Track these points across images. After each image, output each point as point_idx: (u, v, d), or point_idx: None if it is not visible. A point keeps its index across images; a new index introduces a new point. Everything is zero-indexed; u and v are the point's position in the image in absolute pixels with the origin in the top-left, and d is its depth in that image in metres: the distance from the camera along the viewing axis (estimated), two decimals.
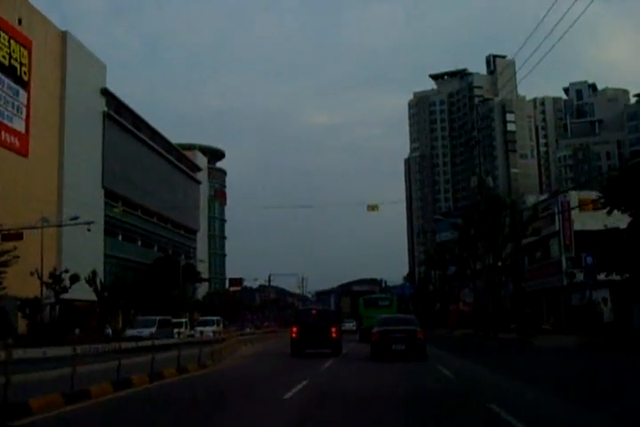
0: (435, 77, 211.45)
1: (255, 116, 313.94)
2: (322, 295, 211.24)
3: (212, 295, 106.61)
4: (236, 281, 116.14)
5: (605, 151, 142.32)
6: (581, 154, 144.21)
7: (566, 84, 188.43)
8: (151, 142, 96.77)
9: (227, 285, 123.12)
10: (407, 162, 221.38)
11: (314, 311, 31.29)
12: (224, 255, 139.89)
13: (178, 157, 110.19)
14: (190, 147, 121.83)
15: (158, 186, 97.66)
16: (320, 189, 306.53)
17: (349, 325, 73.47)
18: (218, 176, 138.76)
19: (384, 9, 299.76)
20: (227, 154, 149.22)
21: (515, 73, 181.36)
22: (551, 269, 47.48)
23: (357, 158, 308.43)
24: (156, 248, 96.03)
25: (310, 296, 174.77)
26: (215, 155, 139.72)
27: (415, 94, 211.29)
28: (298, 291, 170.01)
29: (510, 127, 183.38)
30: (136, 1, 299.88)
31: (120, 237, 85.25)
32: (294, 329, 28.47)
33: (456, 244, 67.17)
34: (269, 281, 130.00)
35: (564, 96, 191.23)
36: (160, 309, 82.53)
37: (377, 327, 25.38)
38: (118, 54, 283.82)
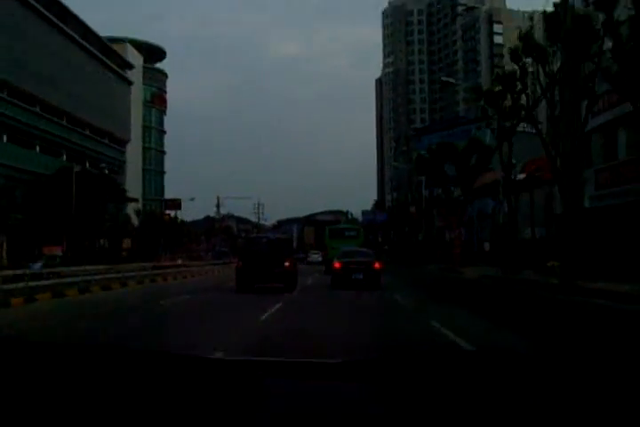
0: None
1: (221, 44, 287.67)
2: (283, 224, 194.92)
3: (146, 219, 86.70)
4: (173, 203, 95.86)
5: None
6: None
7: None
8: (62, 24, 75.41)
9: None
10: (379, 81, 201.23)
11: (265, 240, 27.98)
12: (162, 173, 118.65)
13: (102, 49, 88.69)
14: (120, 40, 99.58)
15: (72, 81, 76.72)
16: (285, 119, 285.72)
17: (315, 256, 72.67)
18: (156, 78, 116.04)
19: None
20: (168, 56, 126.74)
21: None
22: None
23: (326, 88, 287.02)
24: (64, 158, 75.50)
25: (267, 224, 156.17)
26: (153, 53, 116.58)
27: (390, 3, 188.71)
28: (263, 221, 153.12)
29: (497, 40, 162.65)
30: None
31: (5, 139, 64.60)
32: (241, 260, 25.50)
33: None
34: (218, 205, 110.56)
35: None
36: (65, 234, 63.58)
37: (338, 259, 27.38)
38: None
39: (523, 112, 31.82)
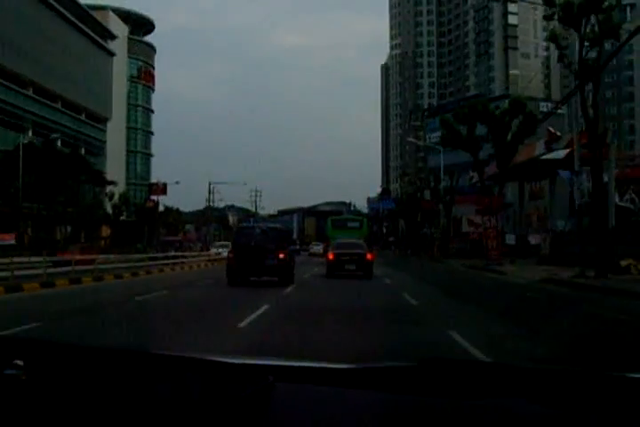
0: None
1: (224, 35, 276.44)
2: (284, 215, 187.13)
3: (120, 204, 76.94)
4: (158, 187, 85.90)
5: None
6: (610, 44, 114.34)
7: None
8: None
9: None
10: (384, 67, 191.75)
11: (258, 230, 25.25)
12: (149, 156, 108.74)
13: (80, 15, 79.15)
14: (102, 7, 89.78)
15: (42, 48, 67.52)
16: (286, 110, 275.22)
17: (317, 248, 69.67)
18: (144, 52, 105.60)
19: None
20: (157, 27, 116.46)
21: None
22: None
23: (329, 79, 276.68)
24: (30, 133, 66.02)
25: (265, 214, 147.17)
26: (141, 25, 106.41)
27: None
28: (261, 210, 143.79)
29: (511, 20, 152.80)
30: None
31: None
32: (232, 251, 24.13)
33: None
34: (210, 191, 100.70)
35: None
36: (18, 219, 54.49)
37: (332, 250, 29.29)
38: None
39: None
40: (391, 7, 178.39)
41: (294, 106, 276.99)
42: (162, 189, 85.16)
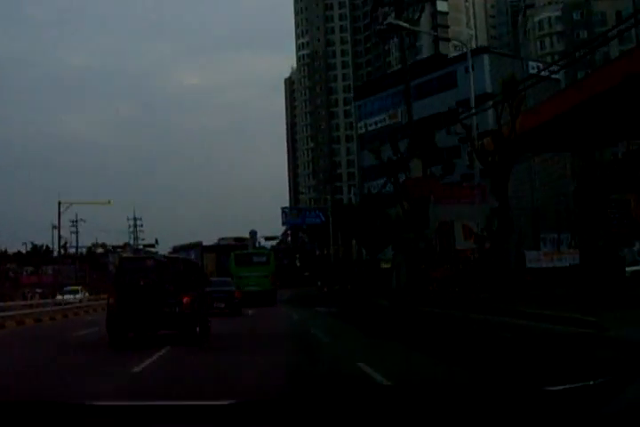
0: None
1: (121, 76, 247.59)
2: (179, 251, 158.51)
3: None
4: None
5: (614, 10, 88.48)
6: (579, 14, 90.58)
7: None
8: None
9: None
10: (288, 81, 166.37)
11: (149, 262, 17.85)
12: None
13: None
14: None
15: None
16: (184, 149, 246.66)
17: None
18: None
19: None
20: None
21: None
22: None
23: (230, 118, 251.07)
24: None
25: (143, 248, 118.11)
26: None
27: None
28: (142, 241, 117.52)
29: (441, 7, 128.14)
30: None
31: None
32: (113, 296, 16.77)
33: None
34: (59, 211, 69.84)
35: None
36: None
37: None
38: None
39: None
40: (296, 1, 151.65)
41: (193, 144, 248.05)
42: None
